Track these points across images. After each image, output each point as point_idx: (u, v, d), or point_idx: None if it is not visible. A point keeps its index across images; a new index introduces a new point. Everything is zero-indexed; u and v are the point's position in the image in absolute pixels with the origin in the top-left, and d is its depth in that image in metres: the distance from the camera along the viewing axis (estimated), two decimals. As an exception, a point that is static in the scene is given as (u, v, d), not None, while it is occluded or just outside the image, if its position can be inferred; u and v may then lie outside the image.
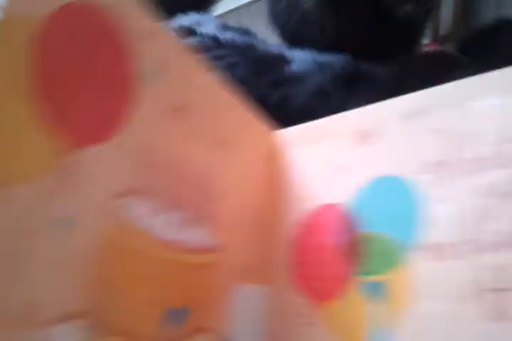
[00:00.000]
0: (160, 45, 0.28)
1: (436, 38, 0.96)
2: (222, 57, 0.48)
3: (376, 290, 0.29)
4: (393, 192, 0.30)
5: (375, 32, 0.54)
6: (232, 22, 0.63)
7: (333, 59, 0.51)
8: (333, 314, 0.31)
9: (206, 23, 0.52)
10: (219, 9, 1.17)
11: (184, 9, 0.55)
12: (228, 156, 0.32)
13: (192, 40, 0.48)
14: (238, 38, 0.51)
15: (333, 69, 0.49)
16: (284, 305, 0.32)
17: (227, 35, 0.51)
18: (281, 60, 0.50)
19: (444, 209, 0.28)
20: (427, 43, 0.94)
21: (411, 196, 0.29)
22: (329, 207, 0.32)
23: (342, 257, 0.31)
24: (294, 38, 0.58)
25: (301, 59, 0.51)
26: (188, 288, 0.28)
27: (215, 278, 0.30)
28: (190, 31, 0.50)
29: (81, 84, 0.23)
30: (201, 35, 0.50)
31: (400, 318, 0.28)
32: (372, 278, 0.29)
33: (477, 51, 0.54)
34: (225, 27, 0.54)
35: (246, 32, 0.55)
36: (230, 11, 1.19)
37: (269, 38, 0.58)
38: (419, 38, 0.65)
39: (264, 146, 0.35)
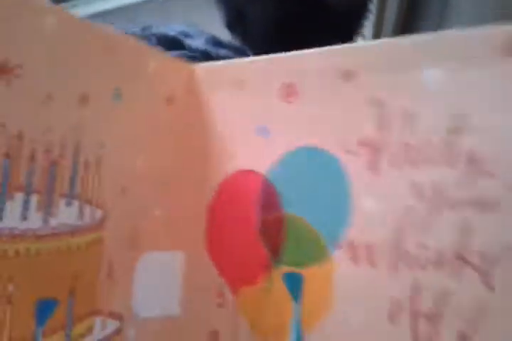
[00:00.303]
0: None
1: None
2: None
3: (295, 283, 0.27)
4: (319, 170, 0.27)
5: (308, 19, 0.53)
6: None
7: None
8: (249, 301, 0.29)
9: (195, 36, 0.49)
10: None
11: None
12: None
13: (178, 53, 0.45)
14: (232, 56, 0.48)
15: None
16: (198, 278, 0.31)
17: (220, 52, 0.48)
18: None
19: (371, 203, 0.25)
20: None
21: (338, 179, 0.26)
22: (249, 175, 0.29)
23: (261, 237, 0.29)
24: (238, 16, 0.55)
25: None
26: (61, 276, 0.25)
27: (98, 256, 0.27)
28: (175, 42, 0.47)
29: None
30: (190, 48, 0.47)
31: (315, 319, 0.26)
32: (291, 268, 0.28)
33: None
34: (217, 42, 0.51)
35: (239, 48, 0.52)
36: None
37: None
38: (353, 33, 0.65)
39: (181, 82, 0.30)
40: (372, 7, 0.67)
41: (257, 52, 0.36)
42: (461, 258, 0.22)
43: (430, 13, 0.93)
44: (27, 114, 0.22)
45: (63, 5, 1.19)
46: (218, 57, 0.47)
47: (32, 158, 0.22)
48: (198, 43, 0.48)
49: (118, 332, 0.27)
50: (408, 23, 0.95)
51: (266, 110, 0.29)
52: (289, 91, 0.28)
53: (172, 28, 0.49)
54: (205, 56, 0.47)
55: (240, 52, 0.51)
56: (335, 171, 0.26)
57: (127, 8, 1.31)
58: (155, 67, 0.28)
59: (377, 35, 0.95)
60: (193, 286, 0.30)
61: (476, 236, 0.22)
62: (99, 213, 0.26)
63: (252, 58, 0.32)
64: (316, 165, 0.27)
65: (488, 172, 0.22)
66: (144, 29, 0.48)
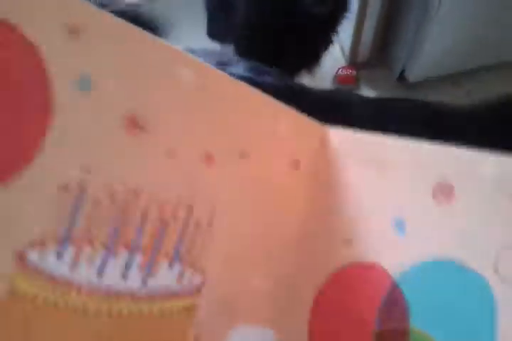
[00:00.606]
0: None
1: (354, 63, 1.01)
2: None
3: None
4: (460, 288, 0.22)
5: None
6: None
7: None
8: None
9: (233, 62, 0.49)
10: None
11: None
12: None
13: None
14: (278, 82, 0.47)
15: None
16: None
17: (266, 80, 0.47)
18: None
19: None
20: (342, 67, 1.00)
21: (484, 302, 0.22)
22: (376, 272, 0.25)
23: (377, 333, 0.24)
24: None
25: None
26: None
27: (186, 327, 0.24)
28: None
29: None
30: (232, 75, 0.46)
31: None
32: None
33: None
34: (261, 70, 0.50)
35: (279, 75, 0.51)
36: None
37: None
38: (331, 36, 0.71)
39: (312, 146, 0.28)
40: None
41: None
42: None
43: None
44: (148, 169, 0.21)
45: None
46: (264, 85, 0.46)
47: (145, 215, 0.21)
48: (239, 71, 0.47)
49: None
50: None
51: (410, 203, 0.25)
52: (444, 192, 0.24)
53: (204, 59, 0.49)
54: (253, 84, 0.46)
55: (281, 79, 0.50)
56: (480, 292, 0.21)
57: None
58: (285, 128, 0.26)
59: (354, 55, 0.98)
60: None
61: None
62: (198, 279, 0.24)
63: (399, 141, 0.26)
64: (459, 282, 0.22)
65: None
66: None
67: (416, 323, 0.23)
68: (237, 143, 0.24)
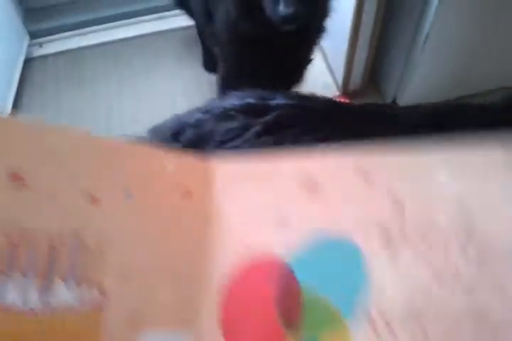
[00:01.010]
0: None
1: (347, 92, 1.08)
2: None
3: None
4: (337, 253, 0.29)
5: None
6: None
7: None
8: None
9: (272, 96, 0.54)
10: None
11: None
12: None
13: (274, 114, 0.50)
14: (317, 104, 0.53)
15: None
16: None
17: (306, 104, 0.53)
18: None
19: (384, 278, 0.27)
20: (337, 95, 1.07)
21: (356, 262, 0.28)
22: (268, 258, 0.31)
23: (278, 313, 0.30)
24: None
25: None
26: None
27: (97, 333, 0.29)
28: (260, 107, 0.52)
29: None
30: (278, 106, 0.52)
31: None
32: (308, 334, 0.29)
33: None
34: (297, 96, 0.56)
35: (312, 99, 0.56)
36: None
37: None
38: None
39: (198, 179, 0.33)
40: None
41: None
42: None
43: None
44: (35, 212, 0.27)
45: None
46: (306, 108, 0.52)
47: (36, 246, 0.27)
48: (280, 100, 0.52)
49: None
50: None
51: (287, 202, 0.31)
52: (310, 185, 0.30)
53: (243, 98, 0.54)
54: (303, 110, 0.51)
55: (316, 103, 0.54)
56: (353, 254, 0.28)
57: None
58: (173, 169, 0.31)
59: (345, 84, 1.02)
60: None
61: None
62: (97, 295, 0.29)
63: (269, 159, 0.33)
64: (334, 249, 0.29)
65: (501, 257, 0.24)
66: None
67: (306, 287, 0.29)
68: (122, 186, 0.30)
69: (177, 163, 0.31)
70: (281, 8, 0.60)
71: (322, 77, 1.08)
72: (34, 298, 0.26)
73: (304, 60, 0.79)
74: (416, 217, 0.27)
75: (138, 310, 0.30)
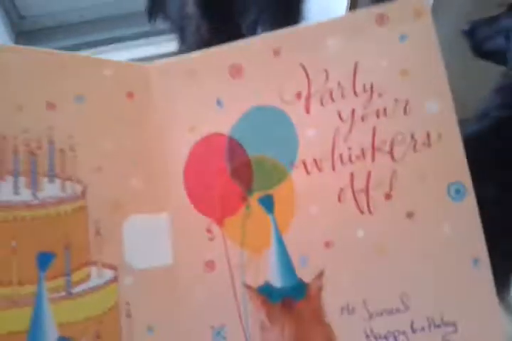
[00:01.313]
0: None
1: None
2: None
3: (268, 202, 0.37)
4: (269, 120, 0.37)
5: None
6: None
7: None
8: (235, 227, 0.37)
9: None
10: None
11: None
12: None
13: None
14: None
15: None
16: (187, 225, 0.37)
17: None
18: None
19: (310, 132, 0.37)
20: None
21: (284, 122, 0.37)
22: (216, 136, 0.38)
23: (234, 178, 0.37)
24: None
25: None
26: (55, 235, 0.34)
27: (84, 219, 0.35)
28: None
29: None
30: None
31: (287, 221, 0.37)
32: (262, 193, 0.37)
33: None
34: None
35: None
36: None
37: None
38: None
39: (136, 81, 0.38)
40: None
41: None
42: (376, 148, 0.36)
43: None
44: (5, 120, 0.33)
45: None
46: None
47: (16, 151, 0.33)
48: None
49: (114, 279, 0.34)
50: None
51: (220, 86, 0.38)
52: (236, 70, 0.37)
53: None
54: None
55: None
56: (281, 117, 0.37)
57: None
58: (111, 72, 0.36)
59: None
60: (182, 234, 0.37)
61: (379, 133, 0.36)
62: (78, 187, 0.34)
63: (199, 52, 0.39)
64: (266, 117, 0.38)
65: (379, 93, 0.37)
66: None
67: (251, 152, 0.38)
68: (71, 91, 0.35)
69: (116, 67, 0.36)
70: None
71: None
72: (26, 193, 0.32)
73: None
74: (319, 78, 0.37)
75: (116, 199, 0.35)
